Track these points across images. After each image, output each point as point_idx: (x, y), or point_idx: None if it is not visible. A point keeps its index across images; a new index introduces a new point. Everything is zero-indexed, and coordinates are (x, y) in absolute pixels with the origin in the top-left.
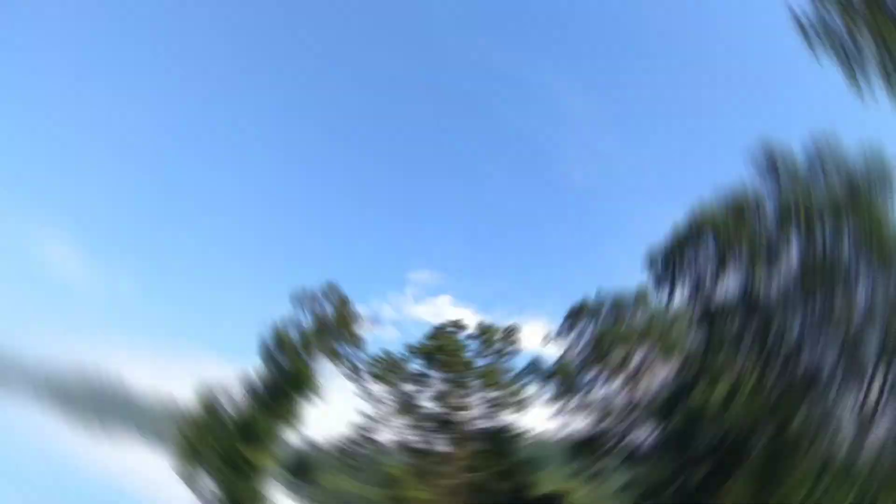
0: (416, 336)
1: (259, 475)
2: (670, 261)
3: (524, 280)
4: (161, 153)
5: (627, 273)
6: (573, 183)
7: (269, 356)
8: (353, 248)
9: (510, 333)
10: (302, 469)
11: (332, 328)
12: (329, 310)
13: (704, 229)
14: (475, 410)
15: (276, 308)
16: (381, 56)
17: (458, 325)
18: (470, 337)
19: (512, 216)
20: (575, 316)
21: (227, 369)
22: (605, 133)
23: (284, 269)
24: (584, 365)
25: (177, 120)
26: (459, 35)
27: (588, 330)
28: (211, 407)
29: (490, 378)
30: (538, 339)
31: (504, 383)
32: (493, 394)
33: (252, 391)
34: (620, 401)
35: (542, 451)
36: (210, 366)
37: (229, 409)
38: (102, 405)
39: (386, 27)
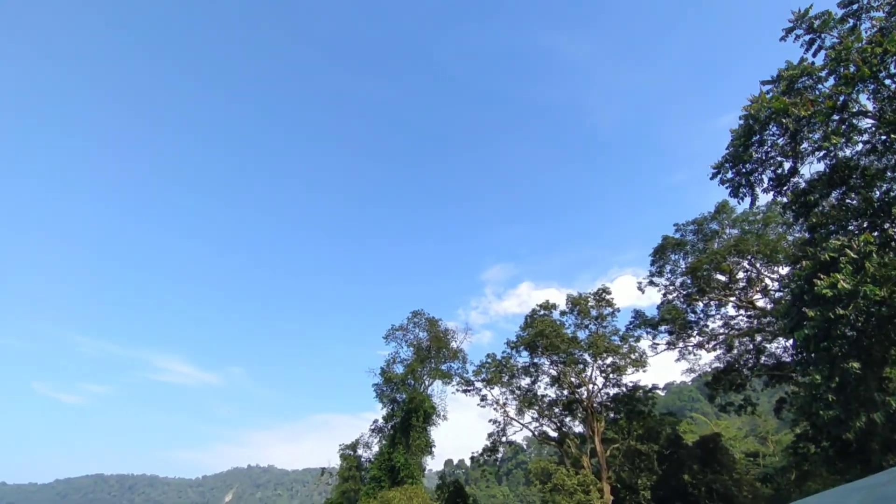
0: (512, 330)
1: None
2: (739, 163)
3: (594, 240)
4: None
5: (698, 198)
6: (608, 133)
7: (384, 397)
8: (421, 273)
9: (602, 296)
10: (455, 492)
11: (431, 351)
12: (422, 335)
13: (763, 118)
14: (596, 382)
15: (375, 353)
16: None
17: (547, 307)
18: (563, 313)
19: (559, 186)
20: (661, 255)
21: (356, 422)
22: (623, 76)
23: (370, 318)
24: (689, 299)
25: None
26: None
27: (680, 264)
28: (354, 460)
29: (598, 346)
30: (632, 292)
31: (614, 346)
32: (608, 360)
33: (382, 434)
34: (741, 322)
35: (680, 397)
36: (342, 425)
37: (369, 457)
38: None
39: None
